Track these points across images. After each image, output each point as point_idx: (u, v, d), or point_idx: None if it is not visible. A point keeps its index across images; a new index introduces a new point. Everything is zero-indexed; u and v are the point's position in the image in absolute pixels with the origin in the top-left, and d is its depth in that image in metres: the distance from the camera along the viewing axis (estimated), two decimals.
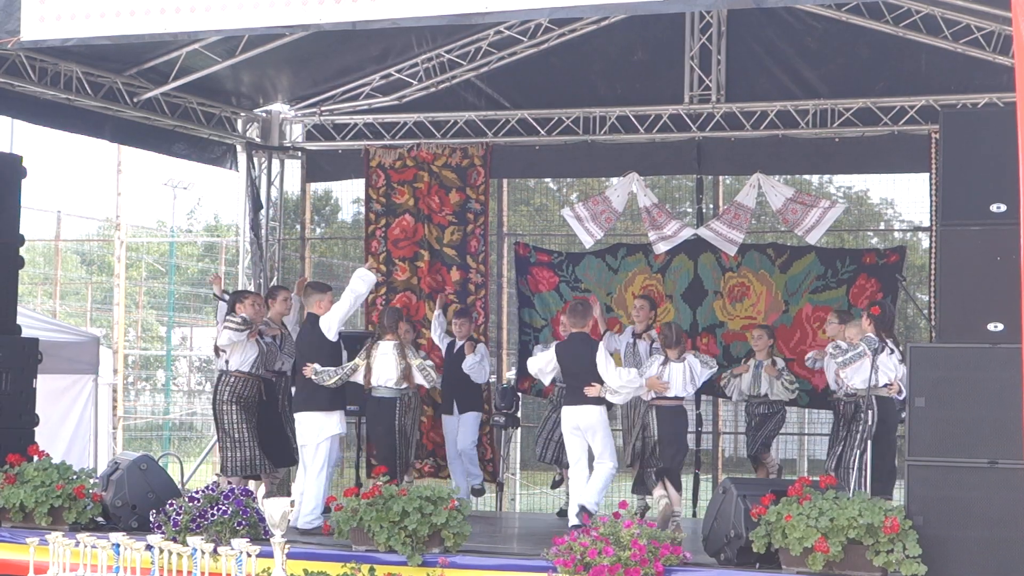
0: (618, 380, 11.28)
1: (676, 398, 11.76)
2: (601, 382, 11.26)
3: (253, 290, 14.94)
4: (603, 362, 11.30)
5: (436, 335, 14.06)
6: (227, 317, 12.23)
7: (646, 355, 13.20)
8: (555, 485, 14.12)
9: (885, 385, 11.36)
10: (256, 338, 12.33)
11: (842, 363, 11.54)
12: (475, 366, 13.76)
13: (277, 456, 12.70)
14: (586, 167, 15.28)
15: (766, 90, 14.24)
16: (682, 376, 11.70)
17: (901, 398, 11.07)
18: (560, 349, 11.66)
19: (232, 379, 12.26)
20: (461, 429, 13.80)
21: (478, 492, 13.96)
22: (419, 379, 11.77)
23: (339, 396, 11.62)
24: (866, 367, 11.30)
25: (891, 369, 11.35)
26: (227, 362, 12.28)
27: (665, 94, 14.45)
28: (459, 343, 13.85)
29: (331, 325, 11.52)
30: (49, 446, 12.17)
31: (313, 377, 11.41)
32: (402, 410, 11.86)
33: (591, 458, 11.40)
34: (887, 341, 11.40)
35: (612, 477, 11.54)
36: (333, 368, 11.51)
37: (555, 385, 13.08)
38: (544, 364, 11.66)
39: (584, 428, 11.37)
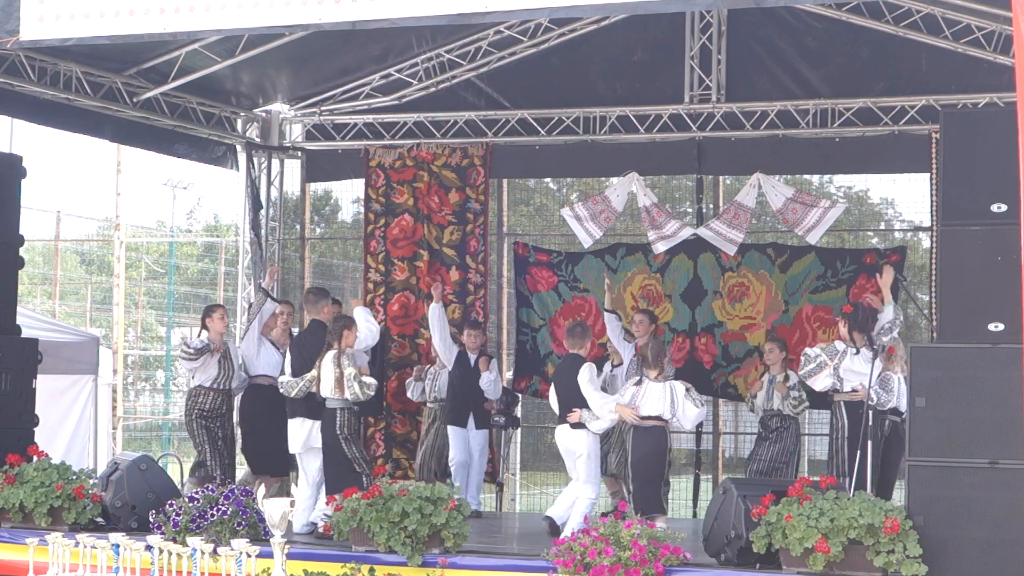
0: (601, 406, 11.08)
1: (656, 418, 11.26)
2: (585, 406, 11.10)
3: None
4: (586, 385, 11.11)
5: (437, 336, 13.75)
6: (182, 346, 12.64)
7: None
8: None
9: (852, 390, 11.36)
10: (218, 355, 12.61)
11: (803, 375, 11.59)
12: (491, 384, 13.64)
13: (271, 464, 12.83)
14: (586, 167, 15.27)
15: (766, 90, 14.23)
16: (662, 397, 11.24)
17: (872, 403, 10.92)
18: (557, 369, 11.60)
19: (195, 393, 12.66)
20: (475, 444, 13.67)
21: (475, 514, 13.53)
22: (351, 392, 11.22)
23: None
24: (827, 374, 11.37)
25: (858, 373, 11.32)
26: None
27: (665, 94, 14.45)
28: (472, 356, 13.68)
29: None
30: (48, 446, 12.15)
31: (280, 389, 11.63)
32: (343, 421, 11.31)
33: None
34: (857, 343, 11.38)
35: (591, 508, 11.22)
36: (295, 379, 11.55)
37: None
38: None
39: (568, 450, 11.27)
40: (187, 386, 12.90)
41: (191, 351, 12.46)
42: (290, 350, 11.88)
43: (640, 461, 11.38)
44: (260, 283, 13.62)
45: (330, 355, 11.27)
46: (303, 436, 11.65)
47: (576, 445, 11.22)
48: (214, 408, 12.52)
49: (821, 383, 11.47)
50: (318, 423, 11.43)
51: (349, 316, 11.88)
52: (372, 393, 11.40)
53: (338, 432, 11.17)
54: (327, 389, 11.25)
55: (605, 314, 13.57)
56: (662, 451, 11.38)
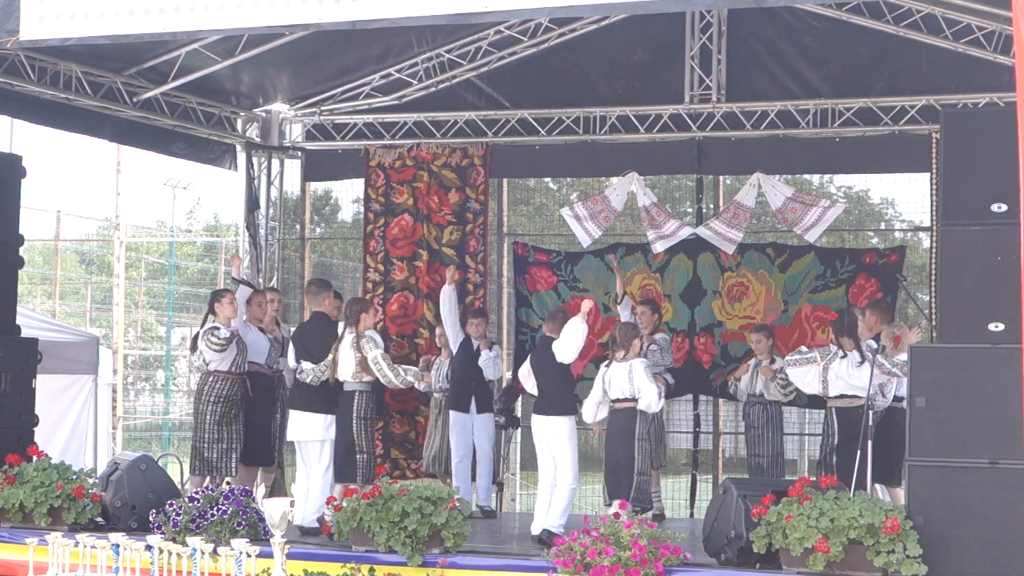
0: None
1: (621, 400, 11.11)
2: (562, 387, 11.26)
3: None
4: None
5: (448, 320, 13.59)
6: (208, 336, 12.08)
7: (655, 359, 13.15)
8: None
9: (841, 395, 11.35)
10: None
11: (787, 361, 11.68)
12: (489, 361, 13.54)
13: (258, 455, 12.74)
14: (586, 167, 15.28)
15: (766, 90, 14.23)
16: (624, 377, 11.05)
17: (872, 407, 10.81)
18: (534, 356, 11.51)
19: (212, 379, 12.21)
20: (480, 428, 13.56)
21: (488, 513, 13.50)
22: (382, 375, 11.31)
23: (336, 399, 11.55)
24: (813, 373, 11.38)
25: (846, 380, 11.31)
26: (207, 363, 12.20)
27: (665, 94, 14.45)
28: (475, 343, 13.62)
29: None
30: (45, 445, 12.15)
31: (298, 376, 11.48)
32: (361, 404, 11.41)
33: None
34: (844, 348, 11.36)
35: (573, 496, 11.25)
36: (314, 366, 11.46)
37: None
38: (528, 374, 11.46)
39: (550, 436, 11.18)
40: (192, 375, 12.69)
41: (222, 341, 12.00)
42: (292, 342, 11.85)
43: (608, 444, 11.24)
44: (232, 277, 13.53)
45: (348, 339, 11.31)
46: (318, 427, 11.44)
47: (558, 429, 11.14)
48: (231, 394, 12.19)
49: (801, 377, 11.52)
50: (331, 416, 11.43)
51: (365, 299, 12.01)
52: (412, 380, 11.57)
53: (355, 414, 11.27)
54: (346, 373, 11.31)
55: (621, 301, 13.54)
56: (630, 433, 11.07)
